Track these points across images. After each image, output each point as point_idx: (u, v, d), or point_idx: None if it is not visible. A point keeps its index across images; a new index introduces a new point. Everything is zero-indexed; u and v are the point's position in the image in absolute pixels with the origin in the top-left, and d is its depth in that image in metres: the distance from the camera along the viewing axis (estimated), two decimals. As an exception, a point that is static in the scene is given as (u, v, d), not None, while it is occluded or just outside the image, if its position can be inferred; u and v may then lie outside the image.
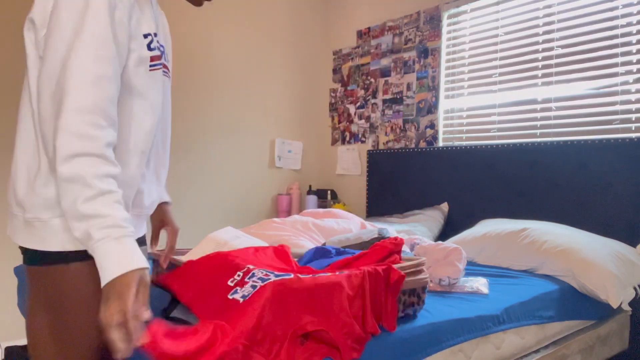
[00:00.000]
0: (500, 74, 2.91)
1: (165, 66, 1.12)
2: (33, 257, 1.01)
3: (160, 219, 1.33)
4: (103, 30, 0.91)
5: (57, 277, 0.98)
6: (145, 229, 1.20)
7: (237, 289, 1.13)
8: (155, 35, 1.05)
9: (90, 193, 0.86)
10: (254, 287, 1.10)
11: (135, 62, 1.01)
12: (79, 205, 0.86)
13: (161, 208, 1.33)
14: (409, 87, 3.42)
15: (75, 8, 0.90)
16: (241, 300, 1.08)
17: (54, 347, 1.00)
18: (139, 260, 0.86)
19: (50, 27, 0.92)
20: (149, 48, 1.02)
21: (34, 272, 1.01)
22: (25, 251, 1.02)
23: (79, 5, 0.91)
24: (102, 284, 0.85)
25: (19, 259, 2.65)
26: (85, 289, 0.99)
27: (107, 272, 0.85)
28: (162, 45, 1.11)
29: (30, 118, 1.02)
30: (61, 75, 0.89)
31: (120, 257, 0.85)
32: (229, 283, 1.16)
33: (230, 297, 1.11)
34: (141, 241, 1.12)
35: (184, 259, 1.60)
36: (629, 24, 2.42)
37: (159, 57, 1.05)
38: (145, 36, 1.02)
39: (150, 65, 1.04)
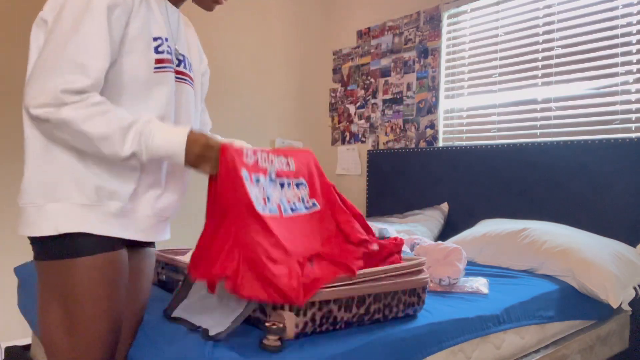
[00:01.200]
0: (500, 74, 2.91)
1: (181, 72, 1.18)
2: (43, 252, 1.04)
3: None
4: (97, 28, 0.98)
5: (66, 271, 1.03)
6: (168, 234, 1.21)
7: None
8: (167, 39, 1.12)
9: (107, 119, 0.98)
10: None
11: (137, 61, 1.06)
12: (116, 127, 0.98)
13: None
14: (409, 87, 3.42)
15: (78, 7, 0.98)
16: None
17: (67, 340, 1.04)
18: (181, 131, 1.03)
19: (53, 22, 1.00)
20: (157, 51, 1.08)
21: (44, 267, 1.05)
22: (34, 246, 1.07)
23: (81, 4, 0.99)
24: (180, 164, 1.02)
25: (18, 259, 2.65)
26: (94, 281, 1.04)
27: (177, 158, 1.02)
28: (181, 54, 1.19)
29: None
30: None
31: (171, 136, 1.01)
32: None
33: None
34: (149, 242, 1.13)
35: (184, 259, 1.60)
36: (629, 24, 2.42)
37: (169, 61, 1.11)
38: (155, 39, 1.08)
39: (156, 67, 1.09)
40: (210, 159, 1.05)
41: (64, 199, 1.02)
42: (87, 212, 1.04)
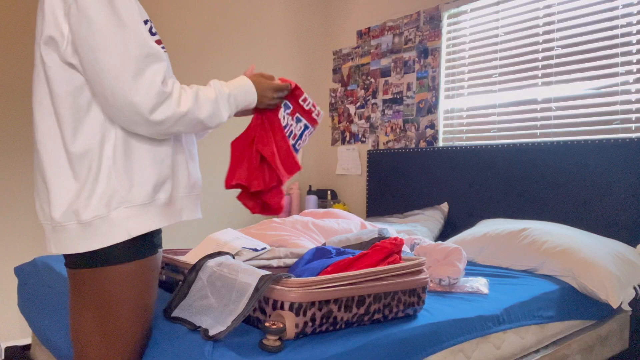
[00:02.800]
0: (500, 74, 2.91)
1: None
2: (78, 261, 1.04)
3: None
4: (133, 12, 0.99)
5: (102, 279, 1.03)
6: (200, 212, 1.22)
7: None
8: (150, 20, 1.11)
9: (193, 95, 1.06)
10: None
11: None
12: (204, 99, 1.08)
13: None
14: (409, 87, 3.42)
15: (100, 3, 0.96)
16: None
17: (104, 345, 1.05)
18: (244, 80, 1.22)
19: (79, 26, 0.96)
20: (152, 33, 1.07)
21: (79, 275, 1.06)
22: (69, 255, 1.06)
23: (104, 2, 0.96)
24: (253, 106, 1.25)
25: (19, 259, 2.65)
26: (128, 288, 1.05)
27: (253, 104, 1.24)
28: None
29: (57, 127, 1.04)
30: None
31: (245, 87, 1.21)
32: None
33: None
34: (159, 244, 1.13)
35: (184, 259, 1.60)
36: (629, 24, 2.42)
37: (160, 41, 1.10)
38: (146, 22, 1.06)
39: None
40: (271, 97, 1.28)
41: (125, 203, 1.02)
42: (148, 210, 1.05)
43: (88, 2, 0.95)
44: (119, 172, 1.02)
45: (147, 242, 1.08)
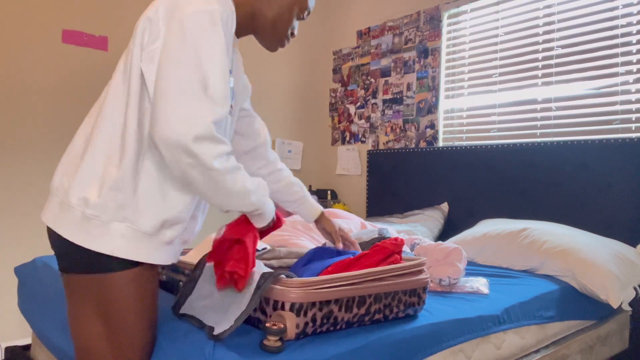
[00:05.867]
0: (500, 74, 2.91)
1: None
2: (80, 266, 1.04)
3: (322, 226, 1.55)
4: (222, 53, 1.01)
5: (104, 285, 1.03)
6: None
7: None
8: (231, 72, 1.12)
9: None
10: None
11: None
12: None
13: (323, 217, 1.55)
14: (409, 87, 3.42)
15: (202, 27, 0.98)
16: None
17: (111, 349, 1.05)
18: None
19: (174, 38, 0.99)
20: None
21: (81, 280, 1.05)
22: (72, 257, 1.05)
23: (205, 24, 0.99)
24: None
25: (19, 259, 2.65)
26: (131, 294, 1.05)
27: (266, 220, 1.17)
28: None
29: (121, 129, 1.05)
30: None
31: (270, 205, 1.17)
32: None
33: None
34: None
35: (184, 259, 1.60)
36: (629, 24, 2.42)
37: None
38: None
39: None
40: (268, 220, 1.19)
41: (130, 222, 1.02)
42: (146, 241, 1.05)
43: (188, 21, 0.97)
44: (142, 191, 1.03)
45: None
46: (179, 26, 0.98)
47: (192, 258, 1.61)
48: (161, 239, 1.07)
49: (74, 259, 1.04)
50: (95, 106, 1.13)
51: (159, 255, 1.07)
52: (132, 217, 1.02)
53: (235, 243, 1.17)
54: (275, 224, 1.24)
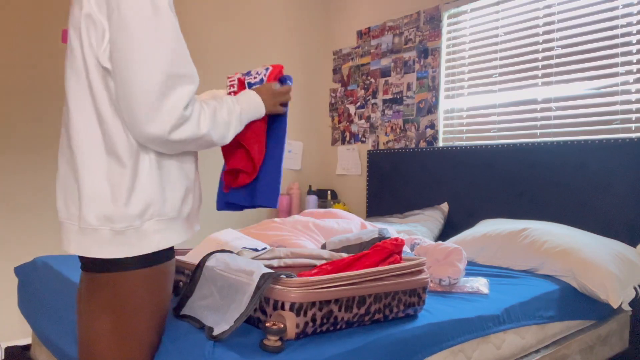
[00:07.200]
0: (500, 74, 2.91)
1: None
2: (96, 265, 1.05)
3: None
4: (174, 27, 0.99)
5: (116, 283, 1.04)
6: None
7: None
8: None
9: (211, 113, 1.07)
10: None
11: None
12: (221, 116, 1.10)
13: None
14: (409, 87, 3.42)
15: (144, 9, 0.95)
16: None
17: (119, 349, 1.06)
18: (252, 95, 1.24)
19: (118, 30, 0.95)
20: None
21: (95, 279, 1.06)
22: (86, 259, 1.06)
23: (145, 5, 0.95)
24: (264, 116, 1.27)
25: (19, 259, 2.65)
26: (142, 293, 1.05)
27: (261, 115, 1.26)
28: None
29: (101, 136, 1.03)
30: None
31: (253, 103, 1.23)
32: None
33: None
34: (173, 249, 1.14)
35: (184, 259, 1.60)
36: (629, 24, 2.42)
37: None
38: None
39: None
40: (275, 103, 1.30)
41: (158, 216, 1.04)
42: (175, 223, 1.08)
43: (129, 12, 0.93)
44: (154, 184, 1.03)
45: (166, 249, 1.09)
46: (119, 19, 0.94)
47: (192, 258, 1.61)
48: (183, 217, 1.10)
49: (95, 260, 1.05)
50: (64, 126, 1.10)
51: (187, 232, 1.11)
52: (157, 211, 1.04)
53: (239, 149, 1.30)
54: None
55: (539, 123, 2.73)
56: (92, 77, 1.01)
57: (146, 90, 0.93)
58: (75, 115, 1.03)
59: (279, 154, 1.33)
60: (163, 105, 0.95)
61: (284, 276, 1.17)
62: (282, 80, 1.37)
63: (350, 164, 3.84)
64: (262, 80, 1.35)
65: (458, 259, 1.78)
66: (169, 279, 1.12)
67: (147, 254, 1.05)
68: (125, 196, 1.01)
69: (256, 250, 1.58)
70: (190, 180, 1.12)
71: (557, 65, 2.67)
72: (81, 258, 1.09)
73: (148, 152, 1.03)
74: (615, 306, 1.89)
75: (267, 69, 1.36)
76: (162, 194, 1.05)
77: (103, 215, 1.01)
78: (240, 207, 1.37)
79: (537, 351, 1.79)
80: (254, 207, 1.34)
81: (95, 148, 1.02)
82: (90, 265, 1.07)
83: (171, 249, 1.12)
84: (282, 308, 1.15)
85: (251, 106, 1.21)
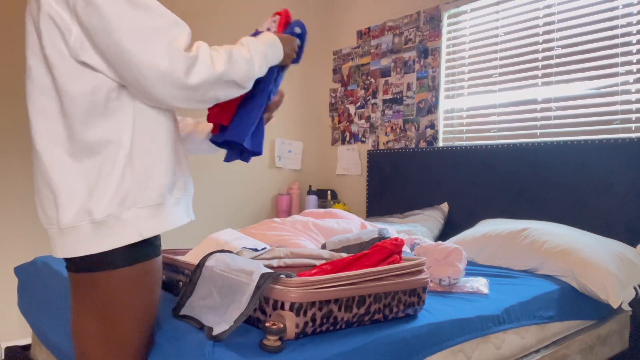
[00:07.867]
0: (500, 74, 2.91)
1: None
2: (79, 265, 1.03)
3: None
4: None
5: (103, 283, 1.02)
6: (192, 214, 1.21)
7: None
8: None
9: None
10: None
11: None
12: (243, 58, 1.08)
13: None
14: (409, 87, 3.42)
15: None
16: None
17: (105, 350, 1.04)
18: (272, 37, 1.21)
19: (95, 13, 0.94)
20: None
21: (80, 279, 1.04)
22: (69, 259, 1.05)
23: None
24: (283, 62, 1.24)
25: (19, 259, 2.65)
26: (131, 292, 1.03)
27: (279, 54, 1.21)
28: None
29: (64, 133, 1.00)
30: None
31: (276, 45, 1.20)
32: None
33: None
34: (159, 246, 1.13)
35: (184, 259, 1.60)
36: (629, 24, 2.42)
37: None
38: None
39: None
40: (292, 49, 1.27)
41: (139, 203, 1.01)
42: (159, 211, 1.04)
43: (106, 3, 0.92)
44: (134, 171, 1.01)
45: (148, 245, 1.07)
46: (93, 7, 0.93)
47: (192, 258, 1.61)
48: (169, 204, 1.06)
49: (82, 259, 1.03)
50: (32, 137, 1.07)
51: (175, 219, 1.07)
52: (137, 199, 1.01)
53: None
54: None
55: (539, 123, 2.73)
56: (55, 74, 0.98)
57: (141, 50, 0.94)
58: (35, 118, 1.02)
59: (260, 102, 1.27)
60: (164, 53, 0.94)
61: (284, 276, 1.17)
62: (292, 26, 1.33)
63: (350, 164, 3.84)
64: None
65: (458, 259, 1.78)
66: (155, 279, 1.09)
67: (130, 251, 1.02)
68: (102, 186, 0.98)
69: (256, 250, 1.58)
70: (178, 165, 1.09)
71: (557, 65, 2.67)
72: (65, 259, 1.07)
73: (120, 142, 1.00)
74: (615, 306, 1.89)
75: (274, 21, 1.33)
76: (143, 180, 1.01)
77: (81, 209, 0.98)
78: (236, 154, 1.32)
79: (537, 351, 1.79)
80: (229, 144, 1.30)
81: (60, 147, 1.00)
82: (71, 265, 1.05)
83: (156, 246, 1.09)
84: (282, 308, 1.15)
85: (273, 47, 1.18)
